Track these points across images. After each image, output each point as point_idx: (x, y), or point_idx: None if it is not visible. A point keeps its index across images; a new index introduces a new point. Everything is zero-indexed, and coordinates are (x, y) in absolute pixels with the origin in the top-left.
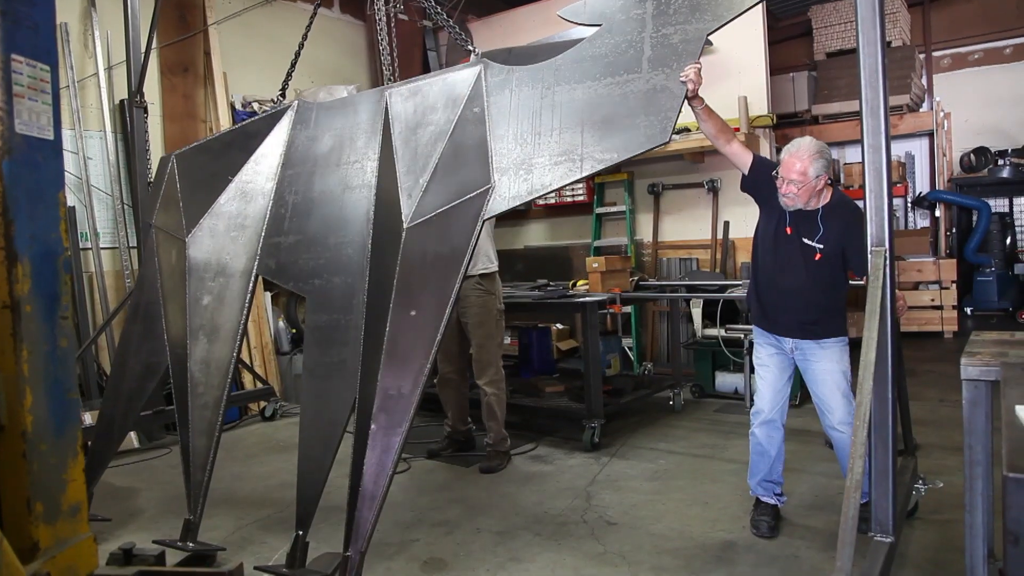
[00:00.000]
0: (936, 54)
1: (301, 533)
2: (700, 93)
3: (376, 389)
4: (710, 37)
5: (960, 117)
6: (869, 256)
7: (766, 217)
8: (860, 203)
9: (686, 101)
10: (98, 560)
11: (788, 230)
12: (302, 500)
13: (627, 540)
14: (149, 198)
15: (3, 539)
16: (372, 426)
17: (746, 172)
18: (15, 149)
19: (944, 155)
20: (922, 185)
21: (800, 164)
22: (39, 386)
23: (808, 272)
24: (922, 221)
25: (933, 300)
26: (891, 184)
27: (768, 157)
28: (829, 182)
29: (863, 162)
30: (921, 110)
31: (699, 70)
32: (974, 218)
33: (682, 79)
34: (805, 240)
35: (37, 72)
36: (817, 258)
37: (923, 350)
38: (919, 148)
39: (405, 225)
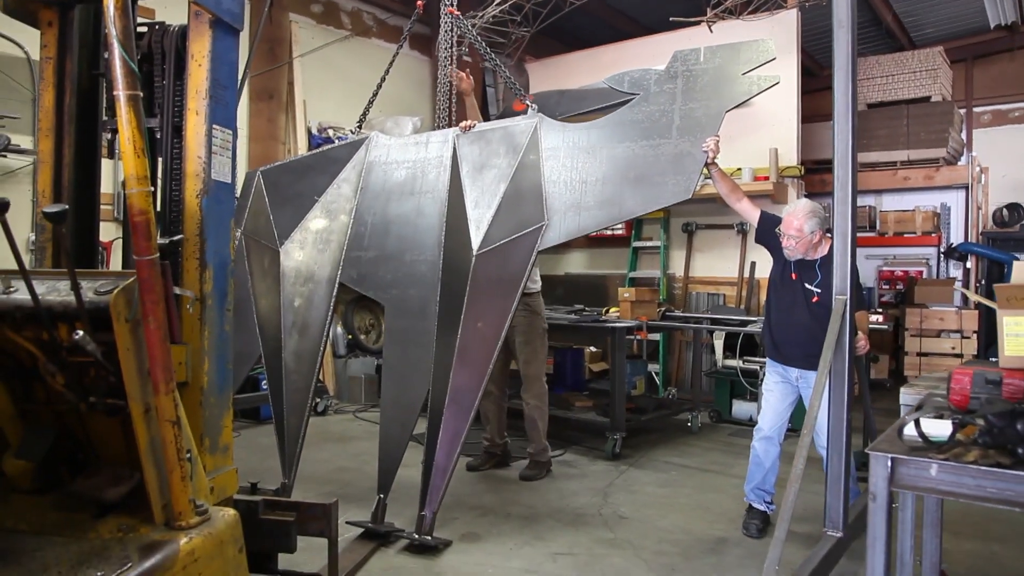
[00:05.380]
0: (977, 110)
1: (382, 496)
2: (722, 155)
3: (447, 384)
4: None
5: (998, 172)
6: (834, 301)
7: (776, 263)
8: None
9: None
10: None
11: (793, 275)
12: (383, 470)
13: (635, 531)
14: (237, 209)
15: (198, 458)
16: (445, 413)
17: (755, 226)
18: (210, 191)
19: (979, 208)
20: (957, 236)
21: (796, 222)
22: (212, 357)
23: (809, 311)
24: (955, 271)
25: (954, 348)
26: (855, 243)
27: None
28: (828, 235)
29: (832, 226)
30: (960, 163)
31: (718, 142)
32: (1005, 271)
33: (704, 149)
34: (806, 284)
35: (225, 136)
36: (815, 300)
37: None
38: (955, 200)
39: (474, 252)
